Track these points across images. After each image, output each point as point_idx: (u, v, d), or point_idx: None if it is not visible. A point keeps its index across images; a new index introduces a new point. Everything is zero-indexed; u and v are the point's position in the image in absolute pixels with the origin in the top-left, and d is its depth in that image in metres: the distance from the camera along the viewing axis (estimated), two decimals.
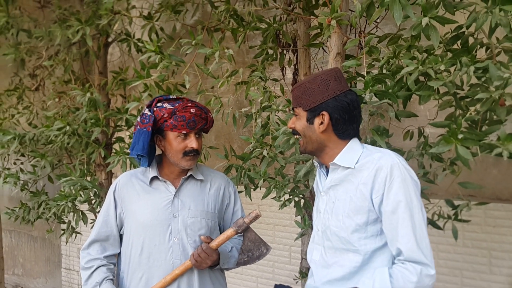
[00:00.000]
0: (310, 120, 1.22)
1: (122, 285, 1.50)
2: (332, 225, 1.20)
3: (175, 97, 1.50)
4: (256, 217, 1.36)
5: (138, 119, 1.49)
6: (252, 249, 1.41)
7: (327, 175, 1.27)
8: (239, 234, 1.41)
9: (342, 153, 1.21)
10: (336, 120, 1.20)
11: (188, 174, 1.50)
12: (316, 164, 1.32)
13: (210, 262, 1.39)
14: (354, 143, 1.22)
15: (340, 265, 1.18)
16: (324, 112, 1.19)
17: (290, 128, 1.29)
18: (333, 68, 1.27)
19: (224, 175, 1.61)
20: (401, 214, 1.09)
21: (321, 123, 1.20)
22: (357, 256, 1.15)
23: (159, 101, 1.48)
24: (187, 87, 1.92)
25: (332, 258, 1.20)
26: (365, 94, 1.34)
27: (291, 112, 1.70)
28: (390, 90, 1.31)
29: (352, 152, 1.21)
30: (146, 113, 1.45)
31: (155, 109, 1.45)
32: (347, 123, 1.21)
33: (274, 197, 1.78)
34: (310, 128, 1.22)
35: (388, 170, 1.11)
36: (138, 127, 1.45)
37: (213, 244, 1.38)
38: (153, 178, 1.50)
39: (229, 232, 1.38)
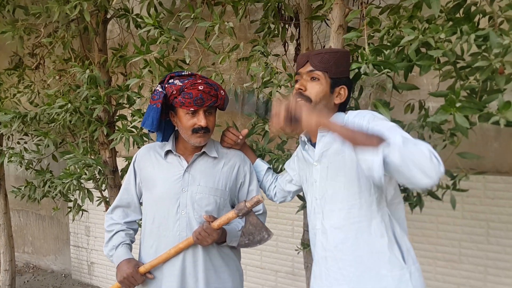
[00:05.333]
0: (332, 89, 1.26)
1: (140, 249, 1.59)
2: (330, 188, 1.23)
3: (187, 73, 1.50)
4: (258, 202, 1.37)
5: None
6: (254, 233, 1.43)
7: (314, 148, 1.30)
8: (242, 217, 1.42)
9: (331, 118, 1.26)
10: (348, 97, 1.29)
11: (202, 151, 1.52)
12: (302, 138, 1.34)
13: (210, 240, 1.41)
14: (340, 112, 1.31)
15: (336, 227, 1.21)
16: (344, 86, 1.27)
17: (300, 89, 1.26)
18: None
19: (242, 154, 1.60)
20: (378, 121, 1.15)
21: (338, 94, 1.27)
22: (352, 212, 1.19)
23: (171, 77, 1.49)
24: (188, 62, 1.91)
25: (328, 221, 1.23)
26: (362, 66, 1.34)
27: (292, 87, 1.70)
28: (390, 60, 1.31)
29: (340, 117, 1.27)
30: (158, 90, 1.47)
31: (166, 85, 1.46)
32: (348, 102, 1.31)
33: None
34: (329, 96, 1.26)
35: (363, 112, 1.21)
36: (150, 103, 1.47)
37: (214, 224, 1.40)
38: (168, 152, 1.54)
39: (230, 214, 1.40)
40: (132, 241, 1.61)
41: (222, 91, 1.49)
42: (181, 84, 1.43)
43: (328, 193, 1.24)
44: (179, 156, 1.52)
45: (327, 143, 1.24)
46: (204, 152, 1.52)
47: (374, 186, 1.18)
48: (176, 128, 1.56)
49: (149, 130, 1.49)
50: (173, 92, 1.43)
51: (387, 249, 1.17)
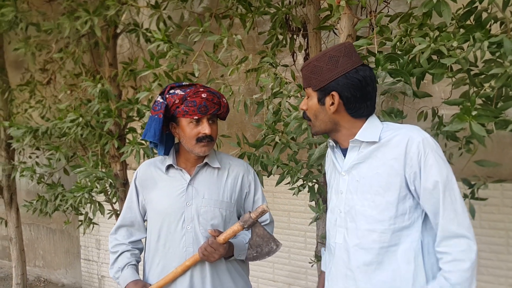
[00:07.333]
0: (321, 101, 1.17)
1: (145, 269, 1.54)
2: (358, 204, 1.16)
3: (188, 83, 1.49)
4: (263, 212, 1.34)
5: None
6: (261, 245, 1.39)
7: (344, 155, 1.22)
8: (248, 229, 1.39)
9: (363, 129, 1.16)
10: (347, 99, 1.14)
11: (204, 162, 1.49)
12: (331, 143, 1.27)
13: (217, 256, 1.38)
14: (373, 119, 1.18)
15: (362, 247, 1.14)
16: (334, 92, 1.14)
17: (302, 109, 1.24)
18: (344, 42, 1.18)
19: (245, 163, 1.58)
20: (441, 190, 1.07)
21: (332, 103, 1.15)
22: (383, 236, 1.11)
23: (171, 88, 1.47)
24: (196, 75, 1.92)
25: (353, 240, 1.16)
26: (376, 72, 1.31)
27: (302, 97, 1.69)
28: (404, 69, 1.29)
29: (373, 128, 1.16)
30: (158, 100, 1.45)
31: (167, 96, 1.44)
32: (359, 101, 1.14)
33: (288, 183, 1.78)
34: (321, 109, 1.17)
35: (421, 145, 1.07)
36: (151, 114, 1.45)
37: (220, 238, 1.37)
38: (169, 166, 1.50)
39: (235, 227, 1.37)
40: (138, 261, 1.57)
41: (224, 99, 1.48)
42: (183, 93, 1.41)
43: (355, 209, 1.16)
44: (181, 170, 1.49)
45: (362, 156, 1.16)
46: (206, 163, 1.49)
47: (410, 212, 1.11)
48: (175, 142, 1.54)
49: (150, 142, 1.46)
50: (176, 102, 1.40)
51: (411, 277, 1.10)
